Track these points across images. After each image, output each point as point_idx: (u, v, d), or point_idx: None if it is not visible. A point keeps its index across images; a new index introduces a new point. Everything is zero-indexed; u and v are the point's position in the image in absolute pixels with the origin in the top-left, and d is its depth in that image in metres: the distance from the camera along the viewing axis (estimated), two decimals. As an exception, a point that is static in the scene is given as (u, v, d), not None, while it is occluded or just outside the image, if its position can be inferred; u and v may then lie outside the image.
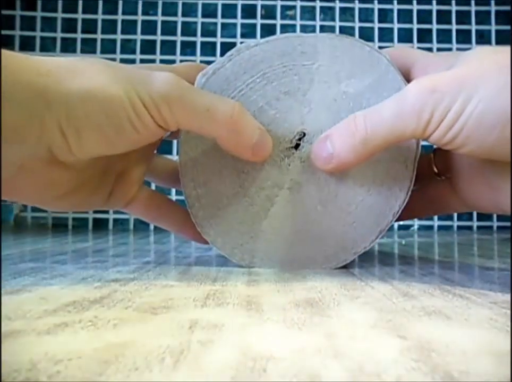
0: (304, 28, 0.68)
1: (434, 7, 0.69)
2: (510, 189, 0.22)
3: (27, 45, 0.65)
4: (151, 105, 0.20)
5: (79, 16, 0.67)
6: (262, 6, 0.68)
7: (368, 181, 0.25)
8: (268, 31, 0.68)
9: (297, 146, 0.25)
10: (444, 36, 0.68)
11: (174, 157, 0.65)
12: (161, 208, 0.28)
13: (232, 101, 0.22)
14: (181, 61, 0.67)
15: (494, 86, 0.18)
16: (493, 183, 0.23)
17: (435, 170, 0.28)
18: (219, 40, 0.67)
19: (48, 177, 0.21)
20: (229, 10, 0.67)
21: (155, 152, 0.29)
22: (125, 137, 0.20)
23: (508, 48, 0.19)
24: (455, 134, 0.19)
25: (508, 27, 0.68)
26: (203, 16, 0.67)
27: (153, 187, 0.51)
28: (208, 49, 0.67)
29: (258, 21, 0.68)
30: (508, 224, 0.66)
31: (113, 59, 0.66)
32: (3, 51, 0.18)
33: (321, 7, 0.68)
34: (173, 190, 0.64)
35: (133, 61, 0.66)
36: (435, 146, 0.28)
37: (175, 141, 0.58)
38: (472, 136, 0.19)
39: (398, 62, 0.25)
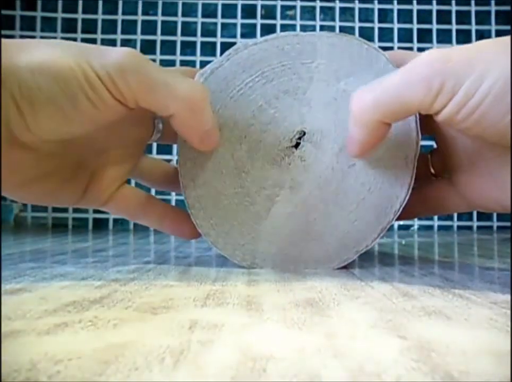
0: (304, 28, 0.68)
1: (434, 7, 0.69)
2: (510, 187, 0.22)
3: (27, 45, 0.65)
4: (105, 77, 0.19)
5: (79, 16, 0.67)
6: (262, 6, 0.68)
7: (369, 179, 0.25)
8: (268, 31, 0.67)
9: (297, 145, 0.25)
10: (444, 36, 0.68)
11: (174, 157, 0.65)
12: (140, 206, 0.27)
13: (195, 81, 0.21)
14: (181, 61, 0.67)
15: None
16: (496, 180, 0.23)
17: (432, 170, 0.28)
18: (219, 40, 0.67)
19: (9, 159, 0.20)
20: (229, 10, 0.67)
21: (143, 153, 0.29)
22: (81, 111, 0.19)
23: None
24: (469, 111, 0.18)
25: (508, 27, 0.68)
26: (203, 16, 0.67)
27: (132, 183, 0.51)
28: (208, 49, 0.67)
29: (258, 21, 0.68)
30: (508, 224, 0.66)
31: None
32: None
33: (321, 7, 0.68)
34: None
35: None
36: (434, 146, 0.28)
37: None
38: (489, 113, 0.18)
39: (395, 64, 0.25)
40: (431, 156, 0.28)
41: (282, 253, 0.25)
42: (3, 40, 0.19)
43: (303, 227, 0.25)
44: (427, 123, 0.24)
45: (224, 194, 0.25)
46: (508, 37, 0.18)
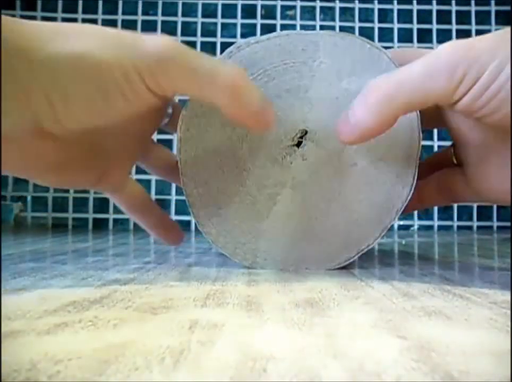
0: (304, 28, 0.68)
1: (434, 7, 0.69)
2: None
3: (27, 45, 0.65)
4: (144, 70, 0.18)
5: (79, 16, 0.67)
6: (262, 6, 0.68)
7: (371, 179, 0.25)
8: (268, 31, 0.67)
9: (298, 144, 0.25)
10: (444, 36, 0.68)
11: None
12: (143, 205, 0.28)
13: (233, 66, 0.20)
14: (181, 61, 0.66)
15: None
16: (507, 173, 0.22)
17: (455, 161, 0.27)
18: (219, 40, 0.67)
19: (35, 149, 0.20)
20: (229, 10, 0.67)
21: (155, 142, 0.29)
22: (115, 105, 0.19)
23: None
24: (490, 97, 0.18)
25: (508, 27, 0.68)
26: (203, 16, 0.67)
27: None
28: (208, 49, 0.67)
29: (258, 21, 0.68)
30: (508, 224, 0.66)
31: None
32: None
33: (321, 7, 0.68)
34: (173, 190, 0.64)
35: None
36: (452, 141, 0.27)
37: (175, 140, 0.58)
38: (507, 100, 0.18)
39: (398, 62, 0.25)
40: (453, 148, 0.28)
41: (283, 252, 0.25)
42: (36, 22, 0.18)
43: (304, 226, 0.25)
44: (439, 117, 0.24)
45: (225, 193, 0.25)
46: None
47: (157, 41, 0.19)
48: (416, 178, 0.24)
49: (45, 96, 0.18)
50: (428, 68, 0.19)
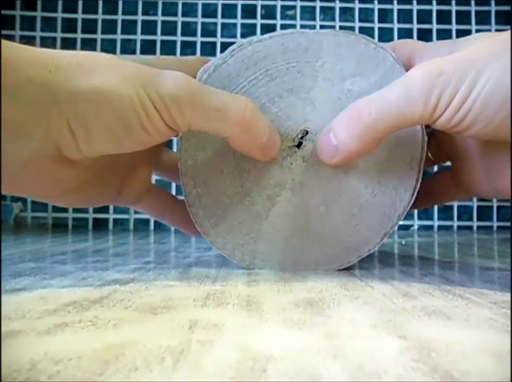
0: (304, 28, 0.68)
1: (434, 7, 0.69)
2: (510, 174, 0.22)
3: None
4: (161, 106, 0.19)
5: (79, 16, 0.67)
6: (262, 6, 0.68)
7: (372, 182, 0.24)
8: (268, 31, 0.67)
9: (299, 145, 0.25)
10: (444, 36, 0.68)
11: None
12: (167, 206, 0.28)
13: (244, 98, 0.21)
14: (181, 61, 0.66)
15: (500, 66, 0.18)
16: (493, 168, 0.23)
17: (430, 156, 0.28)
18: (219, 40, 0.67)
19: (55, 174, 0.20)
20: (229, 10, 0.67)
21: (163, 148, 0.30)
22: (134, 138, 0.20)
23: (507, 32, 0.19)
24: (463, 116, 0.19)
25: (508, 27, 0.68)
26: (203, 16, 0.67)
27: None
28: (209, 49, 0.67)
29: (258, 21, 0.68)
30: (508, 224, 0.66)
31: (113, 59, 0.66)
32: (11, 44, 0.18)
33: (321, 7, 0.68)
34: (174, 187, 0.64)
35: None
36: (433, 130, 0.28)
37: (175, 140, 0.58)
38: (480, 116, 0.19)
39: (398, 53, 0.25)
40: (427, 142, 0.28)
41: (281, 254, 0.25)
42: (59, 54, 0.19)
43: (303, 228, 0.25)
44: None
45: (224, 193, 0.25)
46: (498, 43, 0.19)
47: (174, 79, 0.20)
48: (419, 181, 0.24)
49: (68, 127, 0.19)
50: (404, 93, 0.20)
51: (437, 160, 0.29)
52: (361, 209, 0.24)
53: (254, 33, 0.67)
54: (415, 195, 0.24)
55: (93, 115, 0.19)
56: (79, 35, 0.66)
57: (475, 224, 0.67)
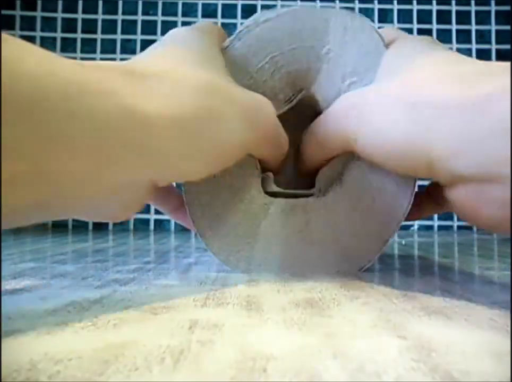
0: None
1: (434, 7, 0.69)
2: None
3: (27, 45, 0.65)
4: (252, 147, 0.22)
5: (79, 16, 0.67)
6: (262, 6, 0.68)
7: (371, 187, 0.23)
8: (268, 31, 0.67)
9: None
10: (444, 36, 0.68)
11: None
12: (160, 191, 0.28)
13: (285, 134, 0.24)
14: (181, 61, 0.66)
15: (381, 121, 0.19)
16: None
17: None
18: (219, 40, 0.67)
19: (139, 198, 0.19)
20: (229, 10, 0.67)
21: None
22: (224, 165, 0.22)
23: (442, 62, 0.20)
24: (370, 151, 0.20)
25: (508, 27, 0.68)
26: (203, 16, 0.67)
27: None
28: (208, 49, 0.67)
29: (258, 21, 0.68)
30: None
31: (113, 59, 0.66)
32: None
33: (321, 7, 0.68)
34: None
35: (133, 61, 0.66)
36: None
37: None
38: (381, 147, 0.20)
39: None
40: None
41: (279, 258, 0.24)
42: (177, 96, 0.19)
43: (302, 230, 0.24)
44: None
45: (224, 190, 0.24)
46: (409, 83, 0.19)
47: (265, 119, 0.23)
48: (416, 186, 0.23)
49: (170, 164, 0.18)
50: (325, 127, 0.23)
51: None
52: (361, 217, 0.23)
53: (254, 33, 0.67)
54: (412, 201, 0.23)
55: (199, 155, 0.19)
56: (79, 35, 0.66)
57: (475, 224, 0.66)
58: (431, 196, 0.27)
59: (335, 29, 0.24)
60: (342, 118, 0.21)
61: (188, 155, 0.19)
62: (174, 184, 0.30)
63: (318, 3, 0.68)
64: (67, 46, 0.66)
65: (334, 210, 0.24)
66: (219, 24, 0.67)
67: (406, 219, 0.24)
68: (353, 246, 0.23)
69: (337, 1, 0.68)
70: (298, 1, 0.68)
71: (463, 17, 0.69)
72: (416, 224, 0.66)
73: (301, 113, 0.25)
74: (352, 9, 0.68)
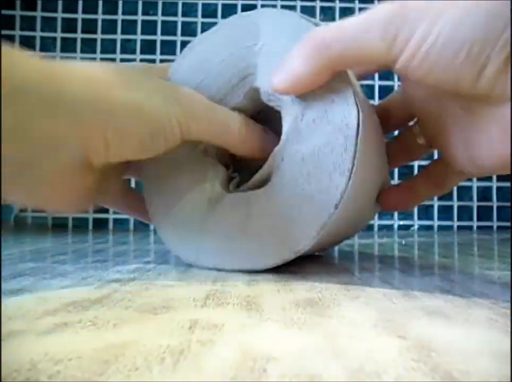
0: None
1: (434, 7, 0.69)
2: (485, 142, 0.20)
3: (27, 45, 0.65)
4: (184, 125, 0.22)
5: (79, 16, 0.67)
6: (262, 6, 0.68)
7: (308, 168, 0.22)
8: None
9: None
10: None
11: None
12: (122, 195, 0.29)
13: (237, 115, 0.24)
14: (181, 61, 0.66)
15: (460, 9, 0.17)
16: (468, 137, 0.21)
17: (420, 141, 0.27)
18: (219, 40, 0.67)
19: (80, 182, 0.21)
20: (229, 10, 0.67)
21: None
22: (155, 146, 0.22)
23: None
24: (422, 58, 0.18)
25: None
26: (203, 16, 0.67)
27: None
28: (208, 49, 0.67)
29: (258, 21, 0.68)
30: (508, 224, 0.66)
31: (113, 59, 0.66)
32: (53, 62, 0.19)
33: (321, 7, 0.68)
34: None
35: (133, 61, 0.66)
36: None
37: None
38: (437, 61, 0.18)
39: None
40: (418, 127, 0.27)
41: (221, 250, 0.24)
42: (103, 65, 0.21)
43: (243, 222, 0.23)
44: (407, 113, 0.26)
45: (180, 181, 0.25)
46: None
47: (189, 96, 0.23)
48: (356, 164, 0.21)
49: (104, 138, 0.20)
50: (364, 22, 0.19)
51: (400, 122, 0.28)
52: (297, 200, 0.22)
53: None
54: (352, 179, 0.21)
55: (130, 128, 0.20)
56: (79, 35, 0.66)
57: (475, 224, 0.67)
58: (429, 177, 0.27)
59: (266, 26, 0.24)
60: (387, 13, 0.18)
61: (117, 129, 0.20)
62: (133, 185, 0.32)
63: (318, 3, 0.68)
64: (67, 46, 0.66)
65: (272, 199, 0.23)
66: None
67: (403, 208, 0.25)
68: (290, 232, 0.22)
69: (337, 1, 0.68)
70: (298, 1, 0.68)
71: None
72: (416, 224, 0.66)
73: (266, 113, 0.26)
74: (352, 9, 0.68)
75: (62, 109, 0.18)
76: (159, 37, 0.67)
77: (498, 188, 0.67)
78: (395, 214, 0.66)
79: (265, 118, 0.26)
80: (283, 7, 0.68)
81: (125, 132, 0.20)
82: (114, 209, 0.31)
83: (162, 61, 0.66)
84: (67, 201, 0.22)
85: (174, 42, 0.67)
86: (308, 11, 0.68)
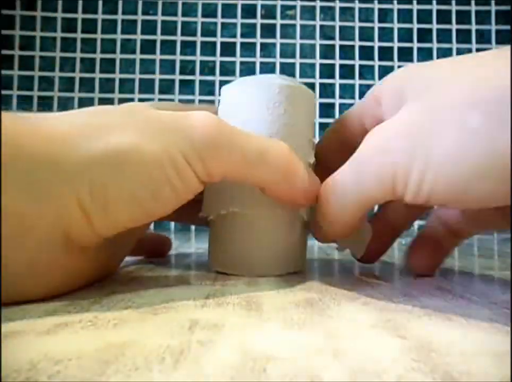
0: (304, 28, 0.68)
1: (434, 7, 0.69)
2: None
3: (27, 45, 0.65)
4: (192, 155, 0.16)
5: (79, 16, 0.67)
6: (262, 6, 0.68)
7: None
8: (268, 30, 0.68)
9: None
10: (444, 36, 0.68)
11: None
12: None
13: (279, 141, 0.19)
14: (181, 61, 0.66)
15: (451, 134, 0.14)
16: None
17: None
18: (219, 39, 0.67)
19: (64, 266, 0.16)
20: (229, 10, 0.68)
21: None
22: (162, 201, 0.17)
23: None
24: (427, 194, 0.15)
25: (508, 27, 0.68)
26: (203, 16, 0.67)
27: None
28: (208, 48, 0.67)
29: (258, 21, 0.68)
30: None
31: (113, 59, 0.66)
32: (9, 116, 0.15)
33: (321, 7, 0.68)
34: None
35: (133, 61, 0.66)
36: None
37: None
38: (445, 190, 0.15)
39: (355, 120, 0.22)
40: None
41: (246, 258, 0.23)
42: (63, 118, 0.16)
43: (253, 237, 0.23)
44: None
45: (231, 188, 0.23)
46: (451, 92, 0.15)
47: (201, 121, 0.17)
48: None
49: (80, 207, 0.15)
50: (357, 178, 0.17)
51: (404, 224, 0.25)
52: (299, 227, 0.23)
53: (254, 33, 0.67)
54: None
55: (112, 182, 0.15)
56: (79, 35, 0.66)
57: (475, 224, 0.66)
58: (499, 209, 0.22)
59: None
60: (376, 165, 0.16)
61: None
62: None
63: (318, 3, 0.68)
64: (67, 46, 0.66)
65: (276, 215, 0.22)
66: (219, 24, 0.67)
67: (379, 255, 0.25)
68: (289, 255, 0.23)
69: (337, 1, 0.68)
70: (298, 1, 0.68)
71: (463, 17, 0.69)
72: (416, 224, 0.66)
73: None
74: (352, 9, 0.68)
75: (22, 179, 0.14)
76: (159, 37, 0.67)
77: (498, 188, 0.67)
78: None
79: None
80: (283, 7, 0.68)
81: (107, 193, 0.15)
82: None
83: (162, 60, 0.66)
84: (50, 289, 0.17)
85: (174, 42, 0.67)
86: (308, 11, 0.68)
